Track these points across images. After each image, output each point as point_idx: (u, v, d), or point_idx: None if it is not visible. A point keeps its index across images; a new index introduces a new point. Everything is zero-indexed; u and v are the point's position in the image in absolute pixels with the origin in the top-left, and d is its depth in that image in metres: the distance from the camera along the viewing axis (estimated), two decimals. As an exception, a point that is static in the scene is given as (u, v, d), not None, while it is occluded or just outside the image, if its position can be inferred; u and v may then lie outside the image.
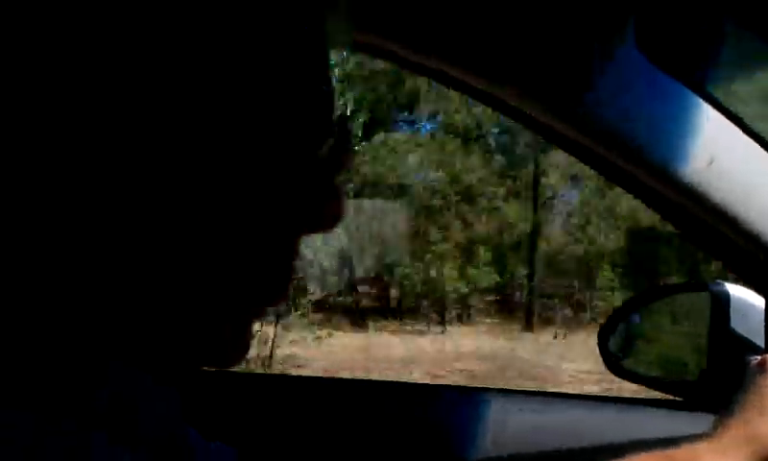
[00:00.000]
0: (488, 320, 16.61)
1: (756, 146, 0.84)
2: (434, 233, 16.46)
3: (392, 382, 1.38)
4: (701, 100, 0.80)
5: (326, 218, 0.44)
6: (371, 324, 15.13)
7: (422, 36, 0.72)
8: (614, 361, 1.23)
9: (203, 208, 0.38)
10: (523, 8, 0.71)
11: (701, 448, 0.76)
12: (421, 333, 14.76)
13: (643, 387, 1.22)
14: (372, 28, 0.72)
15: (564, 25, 0.72)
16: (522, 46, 0.72)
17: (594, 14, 0.73)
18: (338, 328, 13.40)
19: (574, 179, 17.28)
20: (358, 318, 15.46)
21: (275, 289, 0.44)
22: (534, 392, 1.40)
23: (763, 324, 1.00)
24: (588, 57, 0.73)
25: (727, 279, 1.11)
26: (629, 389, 1.35)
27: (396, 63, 0.83)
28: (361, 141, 13.50)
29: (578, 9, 0.72)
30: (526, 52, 0.72)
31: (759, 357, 0.82)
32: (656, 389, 1.18)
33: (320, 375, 9.48)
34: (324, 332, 11.72)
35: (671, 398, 1.21)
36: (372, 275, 16.16)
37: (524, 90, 0.76)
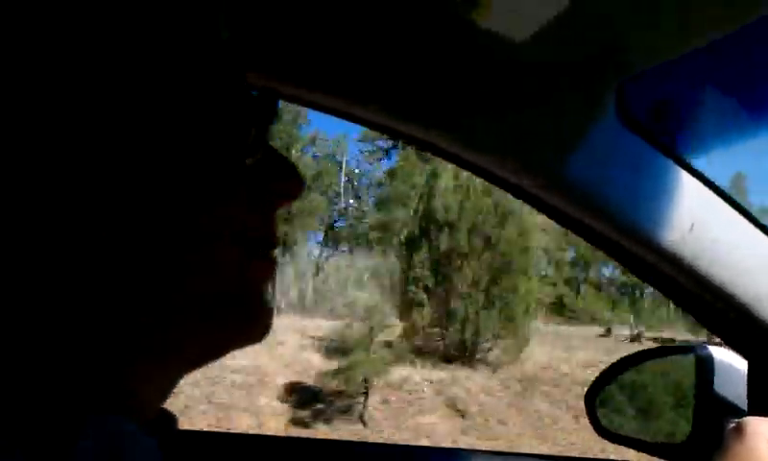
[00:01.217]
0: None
1: (735, 212, 0.86)
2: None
3: (375, 444, 1.37)
4: (680, 167, 0.82)
5: (277, 195, 0.48)
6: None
7: (413, 110, 0.75)
8: (602, 423, 1.24)
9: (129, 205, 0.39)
10: (506, 77, 0.73)
11: None
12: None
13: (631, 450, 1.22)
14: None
15: (546, 94, 0.75)
16: (504, 113, 0.74)
17: (576, 84, 0.75)
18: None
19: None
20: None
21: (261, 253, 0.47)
22: (518, 454, 1.40)
23: (746, 387, 1.01)
24: (568, 124, 0.76)
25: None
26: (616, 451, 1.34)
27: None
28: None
29: (560, 78, 0.75)
30: (508, 119, 0.75)
31: (737, 421, 0.83)
32: (642, 451, 1.18)
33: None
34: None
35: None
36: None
37: (508, 161, 0.78)
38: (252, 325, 0.47)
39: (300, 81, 0.72)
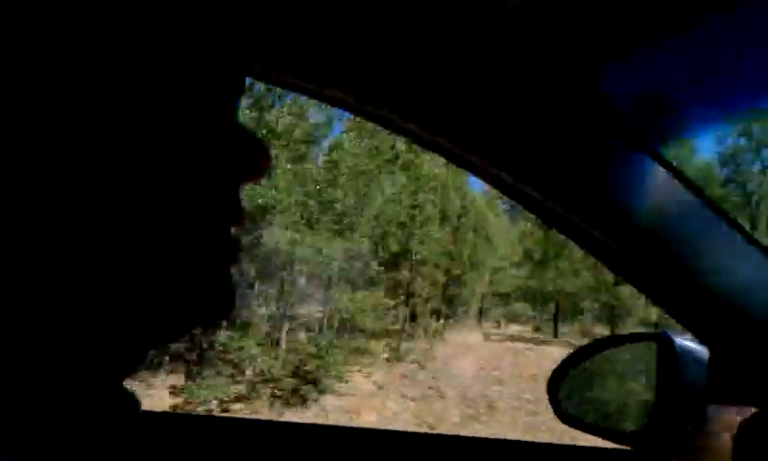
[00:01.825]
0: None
1: (698, 201, 0.87)
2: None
3: (342, 427, 1.37)
4: (651, 159, 0.83)
5: (243, 170, 0.48)
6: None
7: (394, 98, 0.74)
8: (564, 409, 1.25)
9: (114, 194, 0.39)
10: (483, 66, 0.73)
11: None
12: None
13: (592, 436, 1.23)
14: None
15: (523, 89, 0.75)
16: (485, 111, 0.74)
17: (553, 74, 0.75)
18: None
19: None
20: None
21: (226, 230, 0.47)
22: (485, 439, 1.40)
23: (708, 374, 1.03)
24: (545, 117, 0.76)
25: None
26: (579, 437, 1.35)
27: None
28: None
29: (537, 70, 0.75)
30: (489, 117, 0.74)
31: (699, 409, 0.84)
32: (605, 438, 1.19)
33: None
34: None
35: (620, 447, 1.23)
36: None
37: (482, 149, 0.77)
38: (216, 302, 0.47)
39: (301, 72, 0.71)
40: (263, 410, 12.90)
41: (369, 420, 13.13)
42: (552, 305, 28.78)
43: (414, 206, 19.25)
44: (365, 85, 0.73)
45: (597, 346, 1.28)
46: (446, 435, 1.42)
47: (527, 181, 0.80)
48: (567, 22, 0.71)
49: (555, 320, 28.36)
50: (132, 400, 0.49)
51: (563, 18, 0.70)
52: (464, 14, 0.69)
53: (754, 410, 0.83)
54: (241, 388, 13.33)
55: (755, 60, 0.80)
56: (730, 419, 0.82)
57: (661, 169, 0.83)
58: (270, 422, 1.35)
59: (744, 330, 0.91)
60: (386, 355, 17.84)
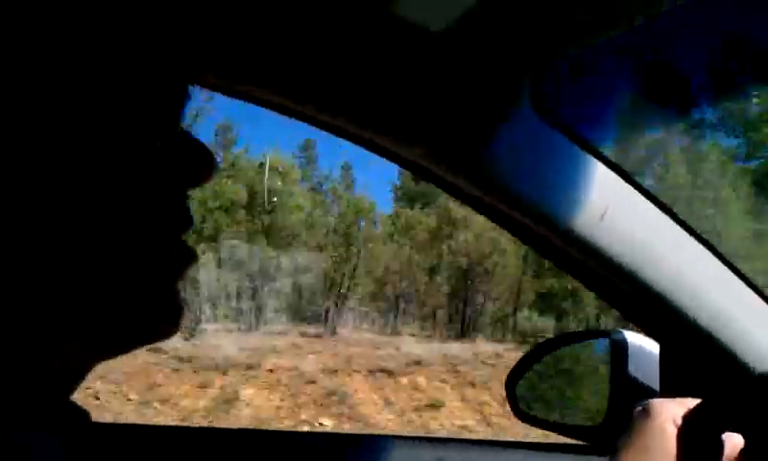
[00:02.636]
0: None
1: (645, 200, 0.88)
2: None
3: (298, 433, 1.37)
4: (593, 157, 0.84)
5: (188, 177, 0.47)
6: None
7: (326, 97, 0.74)
8: (521, 407, 1.26)
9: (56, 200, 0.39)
10: (422, 68, 0.73)
11: None
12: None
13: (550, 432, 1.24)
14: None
15: (462, 86, 0.75)
16: (422, 105, 0.74)
17: (491, 75, 0.76)
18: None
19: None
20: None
21: (175, 246, 0.46)
22: (439, 438, 1.41)
23: (659, 369, 1.05)
24: (484, 116, 0.76)
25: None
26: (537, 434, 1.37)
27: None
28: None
29: (475, 70, 0.75)
30: (426, 111, 0.75)
31: (644, 403, 0.86)
32: (562, 434, 1.21)
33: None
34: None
35: (577, 442, 1.25)
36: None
37: (424, 147, 0.78)
38: (161, 320, 0.46)
39: (241, 78, 0.71)
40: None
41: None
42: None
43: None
44: (298, 88, 0.73)
45: (552, 344, 1.29)
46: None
47: (479, 184, 0.81)
48: (502, 31, 0.72)
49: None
50: (81, 412, 0.48)
51: (497, 28, 0.71)
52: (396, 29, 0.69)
53: (697, 401, 0.85)
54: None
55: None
56: (674, 411, 0.83)
57: (604, 167, 0.85)
58: (218, 429, 1.35)
59: (691, 325, 0.93)
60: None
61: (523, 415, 1.26)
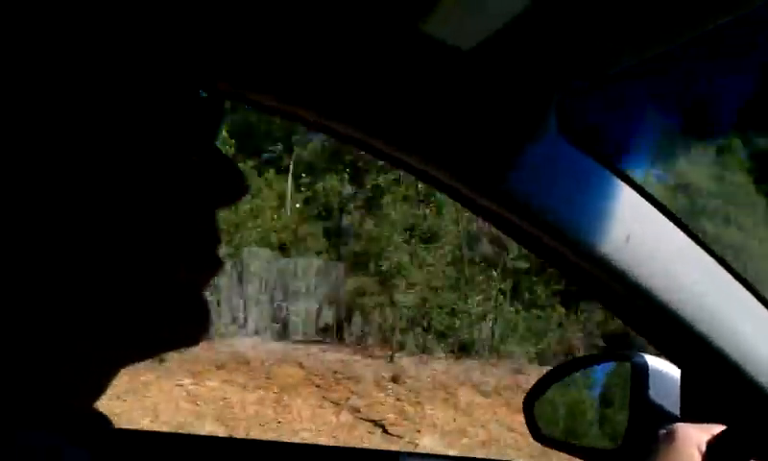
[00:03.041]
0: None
1: (671, 224, 0.88)
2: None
3: (316, 446, 1.37)
4: (619, 180, 0.84)
5: (219, 197, 0.48)
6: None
7: (359, 115, 0.75)
8: (539, 428, 1.25)
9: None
10: (449, 87, 0.74)
11: None
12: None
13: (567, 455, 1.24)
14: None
15: (489, 105, 0.75)
16: (449, 125, 0.75)
17: (517, 96, 0.76)
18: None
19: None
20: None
21: (202, 254, 0.47)
22: (456, 457, 1.41)
23: (680, 394, 1.04)
24: (510, 136, 0.76)
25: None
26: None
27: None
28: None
29: (502, 90, 0.76)
30: (453, 130, 0.75)
31: (668, 428, 0.85)
32: (579, 457, 1.20)
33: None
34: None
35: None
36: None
37: (454, 170, 0.78)
38: (189, 326, 0.47)
39: (270, 90, 0.72)
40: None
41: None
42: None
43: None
44: (336, 104, 0.74)
45: (571, 366, 1.29)
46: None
47: (499, 202, 0.81)
48: (530, 51, 0.72)
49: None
50: (103, 418, 0.49)
51: (526, 48, 0.71)
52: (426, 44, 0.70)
53: (722, 428, 0.84)
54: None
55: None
56: (699, 436, 0.83)
57: (630, 190, 0.84)
58: (243, 440, 1.35)
59: (714, 350, 0.92)
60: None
61: (541, 437, 1.25)
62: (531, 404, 1.26)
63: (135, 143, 0.41)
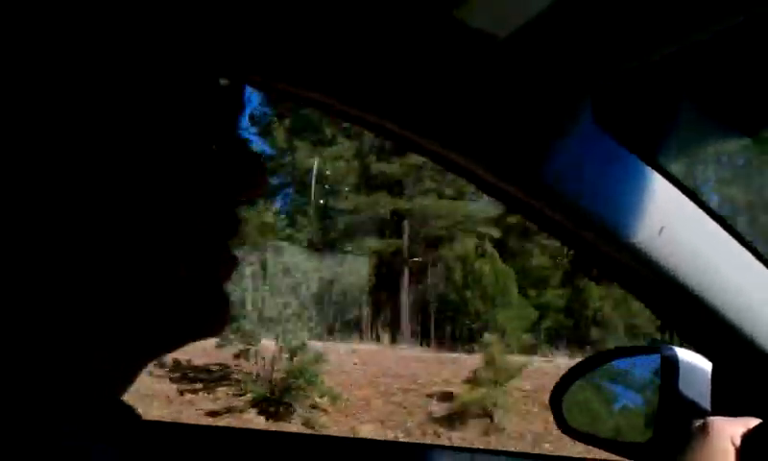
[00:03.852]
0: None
1: (706, 216, 0.87)
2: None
3: (344, 438, 1.38)
4: (654, 171, 0.83)
5: (239, 186, 0.48)
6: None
7: (397, 109, 0.75)
8: (566, 421, 1.25)
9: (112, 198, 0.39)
10: (485, 77, 0.74)
11: None
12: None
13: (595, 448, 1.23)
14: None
15: (525, 97, 0.75)
16: (485, 116, 0.75)
17: (553, 86, 0.76)
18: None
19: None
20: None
21: (220, 245, 0.47)
22: (483, 450, 1.41)
23: (710, 388, 1.03)
24: (546, 128, 0.76)
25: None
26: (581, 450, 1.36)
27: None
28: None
29: (538, 80, 0.75)
30: (489, 122, 0.75)
31: (702, 421, 0.85)
32: (607, 450, 1.20)
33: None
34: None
35: (622, 460, 1.23)
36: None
37: (488, 161, 0.78)
38: (211, 318, 0.47)
39: (297, 81, 0.72)
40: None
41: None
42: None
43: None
44: (368, 92, 0.73)
45: (600, 358, 1.28)
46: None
47: (533, 193, 0.81)
48: (565, 40, 0.71)
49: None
50: (131, 412, 0.49)
51: (561, 39, 0.71)
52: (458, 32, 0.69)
53: (757, 421, 0.83)
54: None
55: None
56: (733, 430, 0.82)
57: (665, 181, 0.84)
58: (275, 432, 1.36)
59: (746, 344, 0.92)
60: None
61: (568, 429, 1.25)
62: (558, 397, 1.26)
63: (157, 133, 0.41)
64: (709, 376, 1.03)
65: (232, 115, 0.48)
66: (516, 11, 0.67)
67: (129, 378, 0.46)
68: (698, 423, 0.85)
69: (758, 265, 0.91)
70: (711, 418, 0.85)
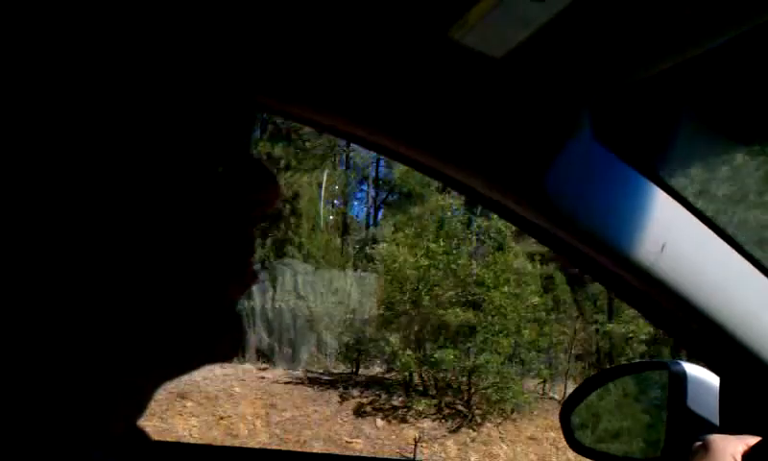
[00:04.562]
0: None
1: (708, 230, 0.87)
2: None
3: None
4: (655, 186, 0.83)
5: (258, 203, 0.47)
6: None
7: (395, 126, 0.75)
8: (576, 438, 1.24)
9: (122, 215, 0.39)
10: (483, 94, 0.74)
11: None
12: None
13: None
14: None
15: (524, 112, 0.76)
16: (484, 132, 0.75)
17: (552, 102, 0.76)
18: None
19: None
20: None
21: (238, 270, 0.46)
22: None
23: (718, 403, 1.02)
24: (546, 143, 0.76)
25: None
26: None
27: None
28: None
29: (536, 96, 0.76)
30: (488, 138, 0.75)
31: (702, 440, 0.84)
32: (616, 467, 1.19)
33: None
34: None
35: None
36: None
37: (489, 178, 0.78)
38: (223, 342, 0.46)
39: (301, 101, 0.73)
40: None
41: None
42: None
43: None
44: (371, 113, 0.74)
45: (609, 374, 1.28)
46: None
47: (533, 208, 0.81)
48: (562, 57, 0.72)
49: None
50: (145, 437, 0.49)
51: (558, 54, 0.71)
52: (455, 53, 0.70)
53: (757, 439, 0.83)
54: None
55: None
56: (734, 448, 0.82)
57: (666, 196, 0.84)
58: (287, 452, 1.36)
59: (752, 357, 0.91)
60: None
61: (578, 446, 1.24)
62: (568, 414, 1.25)
63: (166, 154, 0.41)
64: (718, 391, 1.03)
65: (244, 133, 0.47)
66: (510, 31, 0.67)
67: (144, 402, 0.46)
68: (699, 442, 0.85)
69: (763, 278, 0.91)
70: (712, 436, 0.85)
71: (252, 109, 0.49)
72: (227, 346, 0.47)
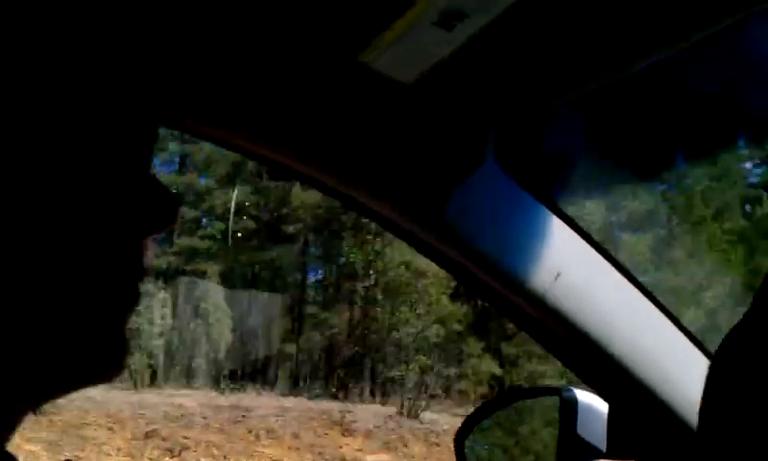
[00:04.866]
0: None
1: (601, 259, 0.89)
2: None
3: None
4: (552, 215, 0.85)
5: (149, 223, 0.46)
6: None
7: (304, 149, 0.74)
8: (469, 464, 1.24)
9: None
10: (389, 119, 0.74)
11: None
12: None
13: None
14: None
15: (428, 139, 0.76)
16: (390, 158, 0.75)
17: (456, 129, 0.77)
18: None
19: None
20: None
21: (124, 290, 0.44)
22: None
23: (606, 429, 1.05)
24: (449, 169, 0.77)
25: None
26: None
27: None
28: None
29: (441, 123, 0.76)
30: (394, 164, 0.75)
31: None
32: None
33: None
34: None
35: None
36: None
37: (390, 200, 0.78)
38: (106, 361, 0.44)
39: (213, 123, 0.71)
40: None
41: None
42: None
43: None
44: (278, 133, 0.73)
45: (503, 399, 1.29)
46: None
47: (434, 232, 0.81)
48: (469, 85, 0.73)
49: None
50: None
51: (464, 82, 0.72)
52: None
53: None
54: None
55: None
56: None
57: (563, 225, 0.86)
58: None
59: (639, 386, 0.94)
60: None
61: (471, 471, 1.24)
62: (461, 441, 1.25)
63: (58, 164, 0.39)
64: (606, 418, 1.05)
65: (145, 152, 0.46)
66: (420, 57, 0.68)
67: (12, 426, 0.43)
68: None
69: (653, 308, 0.94)
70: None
71: (153, 130, 0.47)
72: (108, 367, 0.44)
